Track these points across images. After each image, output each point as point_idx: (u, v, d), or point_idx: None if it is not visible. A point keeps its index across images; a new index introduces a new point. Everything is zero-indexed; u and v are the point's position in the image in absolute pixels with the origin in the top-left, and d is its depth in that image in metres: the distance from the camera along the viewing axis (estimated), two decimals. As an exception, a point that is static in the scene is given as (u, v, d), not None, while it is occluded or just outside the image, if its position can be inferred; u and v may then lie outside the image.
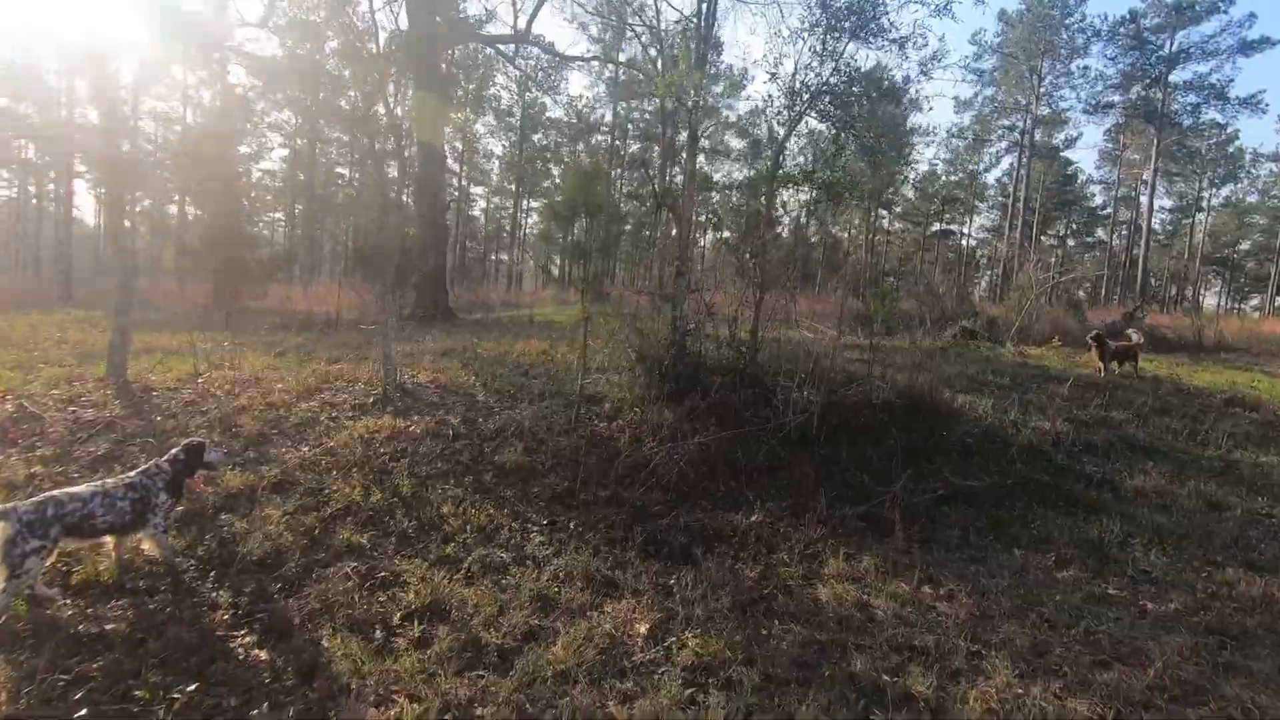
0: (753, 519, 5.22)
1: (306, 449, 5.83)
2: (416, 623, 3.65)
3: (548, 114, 45.31)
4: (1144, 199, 41.91)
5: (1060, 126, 41.73)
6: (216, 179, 21.15)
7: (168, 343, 10.47)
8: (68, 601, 3.82)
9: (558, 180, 50.58)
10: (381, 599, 3.96)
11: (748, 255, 7.73)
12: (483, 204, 57.09)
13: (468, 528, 4.87)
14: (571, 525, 5.06)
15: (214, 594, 3.95)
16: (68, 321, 14.53)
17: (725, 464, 5.93)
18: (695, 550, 4.82)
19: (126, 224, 8.06)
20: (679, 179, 48.68)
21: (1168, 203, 51.12)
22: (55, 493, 3.89)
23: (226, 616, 3.71)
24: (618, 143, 43.69)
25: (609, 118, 43.84)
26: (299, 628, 3.62)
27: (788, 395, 6.50)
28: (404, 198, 21.25)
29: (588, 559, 4.50)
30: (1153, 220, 40.31)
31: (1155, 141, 37.76)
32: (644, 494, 5.53)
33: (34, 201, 44.80)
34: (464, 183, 50.68)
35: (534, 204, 53.20)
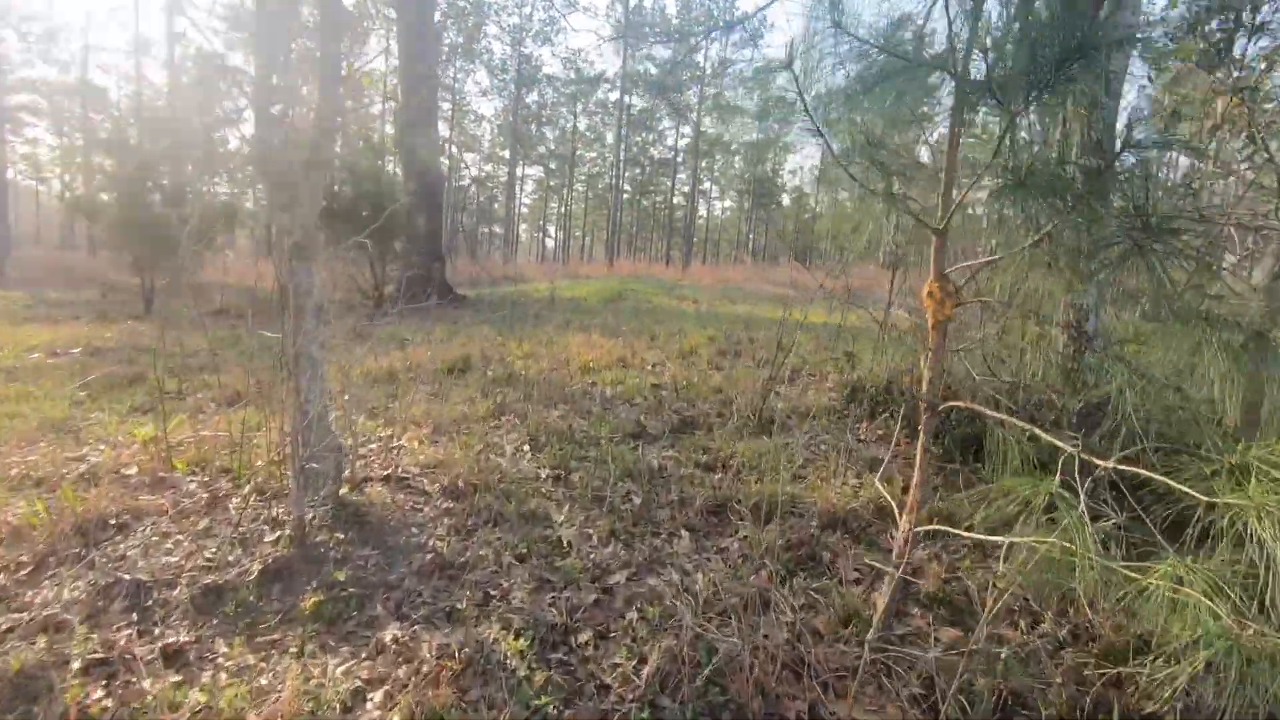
0: None
1: None
2: None
3: (544, 70, 39.77)
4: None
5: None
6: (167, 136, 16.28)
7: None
8: None
9: (553, 145, 45.56)
10: None
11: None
12: (474, 172, 51.61)
13: None
14: None
15: None
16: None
17: None
18: None
19: None
20: (685, 141, 43.66)
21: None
22: None
23: None
24: (627, 98, 38.43)
25: (613, 70, 38.52)
26: None
27: None
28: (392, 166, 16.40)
29: None
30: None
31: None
32: None
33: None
34: (453, 149, 45.23)
35: (530, 171, 48.11)
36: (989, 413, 1.85)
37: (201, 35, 24.75)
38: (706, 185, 51.91)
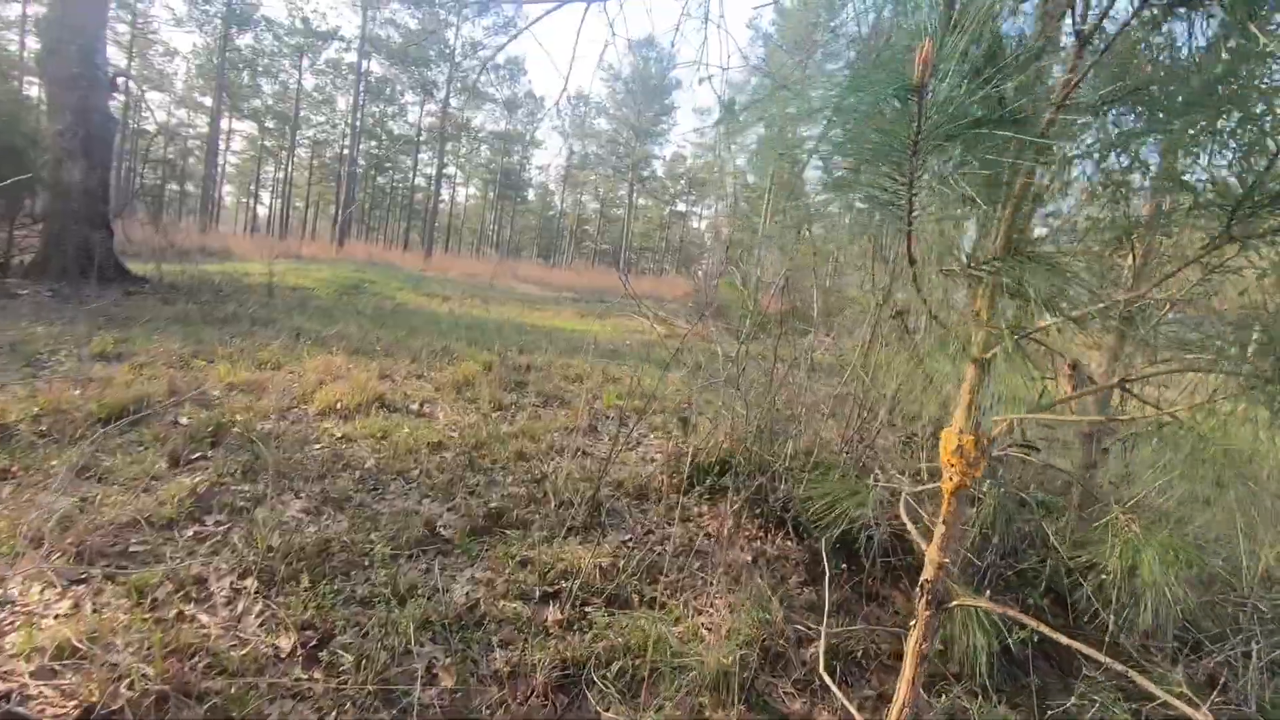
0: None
1: None
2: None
3: (262, 11, 33.87)
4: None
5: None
6: None
7: None
8: None
9: (271, 100, 39.17)
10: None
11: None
12: (161, 116, 42.12)
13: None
14: None
15: None
16: None
17: None
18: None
19: None
20: (430, 120, 40.41)
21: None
22: None
23: None
24: (365, 63, 34.27)
25: (350, 30, 34.28)
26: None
27: None
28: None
29: None
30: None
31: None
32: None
33: None
34: (132, 85, 36.30)
35: (240, 125, 40.89)
36: (1080, 648, 1.31)
37: None
38: (451, 170, 49.05)
